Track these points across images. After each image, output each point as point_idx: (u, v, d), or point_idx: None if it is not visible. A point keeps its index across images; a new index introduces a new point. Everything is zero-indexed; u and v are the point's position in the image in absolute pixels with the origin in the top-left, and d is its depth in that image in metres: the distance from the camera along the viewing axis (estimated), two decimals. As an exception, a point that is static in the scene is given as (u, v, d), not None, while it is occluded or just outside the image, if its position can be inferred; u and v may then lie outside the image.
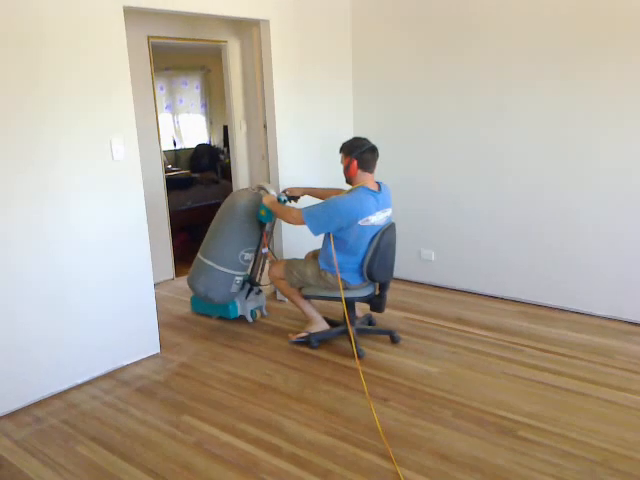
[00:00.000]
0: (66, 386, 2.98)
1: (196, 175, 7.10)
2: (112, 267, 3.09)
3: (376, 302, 3.33)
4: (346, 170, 3.17)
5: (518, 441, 2.38)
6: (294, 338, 3.43)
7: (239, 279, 3.68)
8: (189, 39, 4.67)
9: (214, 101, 8.07)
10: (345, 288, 3.21)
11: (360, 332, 3.41)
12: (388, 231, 3.20)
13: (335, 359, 3.21)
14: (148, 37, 4.30)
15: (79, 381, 3.03)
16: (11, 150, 2.63)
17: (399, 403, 2.72)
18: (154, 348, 3.37)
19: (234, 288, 3.68)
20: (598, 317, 3.64)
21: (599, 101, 3.39)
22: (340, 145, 3.23)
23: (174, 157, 7.95)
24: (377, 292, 3.34)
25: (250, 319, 3.82)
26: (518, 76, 3.65)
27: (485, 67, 3.79)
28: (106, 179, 3.00)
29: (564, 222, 3.66)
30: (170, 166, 7.54)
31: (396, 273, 4.51)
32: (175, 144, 7.99)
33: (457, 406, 2.67)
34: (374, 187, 3.16)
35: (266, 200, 3.42)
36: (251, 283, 3.81)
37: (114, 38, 2.93)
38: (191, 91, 8.02)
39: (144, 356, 3.31)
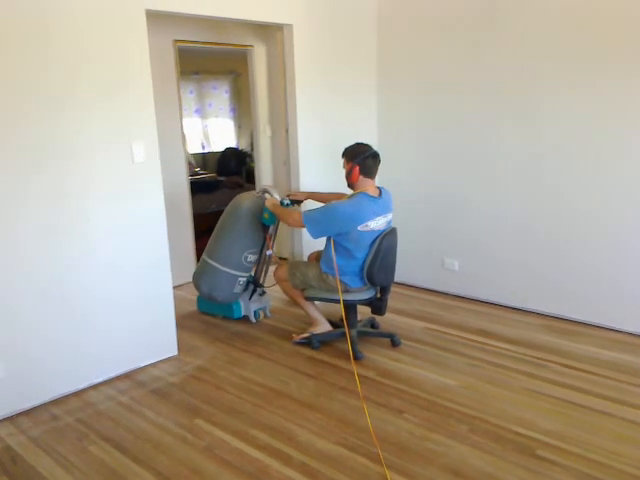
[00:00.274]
0: (84, 385, 3.01)
1: (222, 178, 7.15)
2: (130, 269, 3.11)
3: (377, 305, 3.35)
4: (348, 175, 3.20)
5: (536, 460, 2.30)
6: (297, 338, 3.49)
7: (242, 280, 3.74)
8: (215, 43, 4.71)
9: (243, 105, 8.10)
10: (345, 291, 3.23)
11: (361, 335, 3.44)
12: (389, 235, 3.20)
13: (351, 368, 3.16)
14: (174, 41, 4.33)
15: (96, 380, 3.06)
16: (31, 152, 2.66)
17: (414, 416, 2.66)
18: (172, 350, 3.38)
19: (237, 288, 3.75)
20: (626, 333, 3.51)
21: (631, 107, 3.28)
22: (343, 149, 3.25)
23: (202, 160, 8.03)
24: (378, 295, 3.36)
25: (253, 319, 3.86)
26: (549, 77, 3.55)
27: (514, 68, 3.69)
28: (126, 181, 3.02)
29: (593, 236, 3.55)
30: (198, 169, 7.62)
31: (418, 282, 4.48)
32: (203, 147, 8.07)
33: (474, 421, 2.60)
34: (374, 193, 3.17)
35: (268, 203, 3.48)
36: (255, 284, 3.85)
37: (136, 41, 2.95)
38: (220, 95, 8.08)
39: (161, 358, 3.32)
